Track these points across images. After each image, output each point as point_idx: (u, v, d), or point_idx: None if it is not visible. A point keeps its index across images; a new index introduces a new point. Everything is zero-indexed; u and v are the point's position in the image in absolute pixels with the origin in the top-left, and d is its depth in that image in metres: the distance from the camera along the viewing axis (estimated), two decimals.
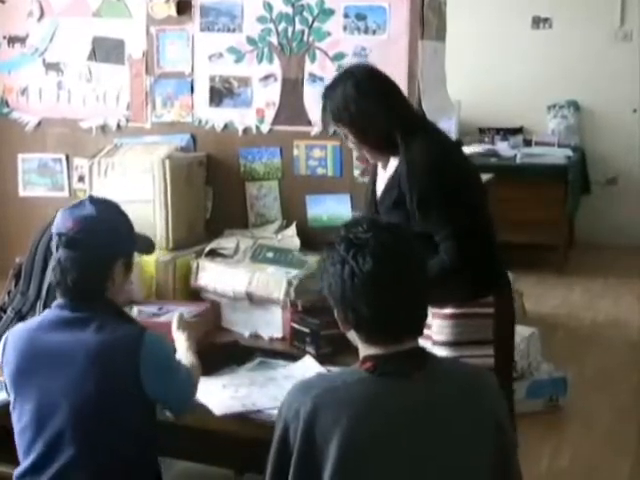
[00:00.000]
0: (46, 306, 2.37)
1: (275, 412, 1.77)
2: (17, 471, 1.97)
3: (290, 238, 2.96)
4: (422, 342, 2.16)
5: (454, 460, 1.59)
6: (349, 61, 2.94)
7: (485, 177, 4.67)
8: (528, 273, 5.47)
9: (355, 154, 2.94)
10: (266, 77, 3.08)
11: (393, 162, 2.42)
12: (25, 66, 3.36)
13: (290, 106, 3.06)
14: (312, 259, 2.77)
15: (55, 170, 3.36)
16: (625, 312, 5.41)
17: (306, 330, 2.56)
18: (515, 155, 6.37)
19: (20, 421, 1.96)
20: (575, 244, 6.86)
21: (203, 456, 2.41)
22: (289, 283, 2.66)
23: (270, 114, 3.09)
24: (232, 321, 2.80)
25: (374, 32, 2.94)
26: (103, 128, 3.29)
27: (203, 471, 2.43)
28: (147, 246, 2.24)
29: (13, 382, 1.98)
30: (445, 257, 2.29)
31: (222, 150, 3.15)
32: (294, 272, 2.71)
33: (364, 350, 1.65)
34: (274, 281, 2.69)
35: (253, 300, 2.73)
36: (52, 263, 2.01)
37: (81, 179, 3.29)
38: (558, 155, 6.37)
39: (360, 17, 2.95)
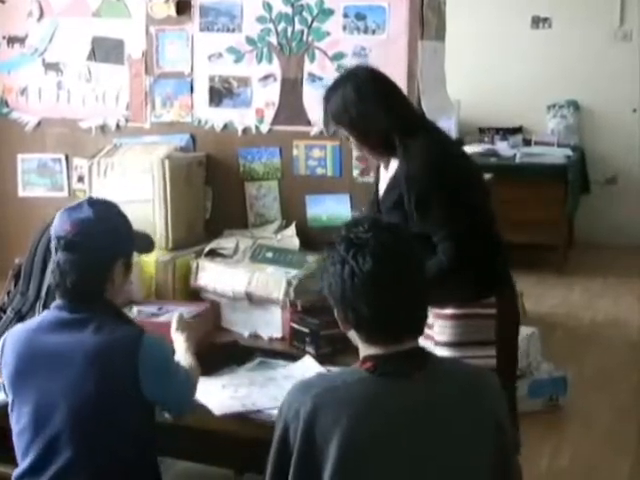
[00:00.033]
0: (46, 306, 2.37)
1: (275, 412, 1.77)
2: (16, 472, 1.97)
3: (290, 238, 2.96)
4: (424, 342, 2.16)
5: (454, 460, 1.59)
6: (348, 61, 2.95)
7: (485, 177, 4.66)
8: (528, 273, 5.46)
9: (355, 154, 2.95)
10: (265, 77, 3.08)
11: (394, 163, 2.42)
12: (25, 66, 3.36)
13: (289, 106, 3.06)
14: (312, 259, 2.77)
15: (55, 170, 3.36)
16: (625, 312, 5.41)
17: (306, 330, 2.56)
18: (515, 155, 6.37)
19: (18, 422, 1.96)
20: (575, 244, 6.86)
21: (203, 456, 2.41)
22: (289, 283, 2.66)
23: (269, 114, 3.09)
24: (232, 321, 2.80)
25: (373, 32, 2.94)
26: (102, 128, 3.28)
27: (203, 471, 2.43)
28: (146, 245, 2.24)
29: (11, 383, 1.98)
30: (443, 257, 2.29)
31: (222, 150, 3.15)
32: (294, 272, 2.71)
33: (364, 350, 1.65)
34: (274, 281, 2.69)
35: (253, 300, 2.73)
36: (51, 265, 2.01)
37: (80, 179, 3.29)
38: (558, 155, 6.37)
39: (359, 17, 2.95)
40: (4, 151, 3.42)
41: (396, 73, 2.67)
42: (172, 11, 3.12)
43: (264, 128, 3.11)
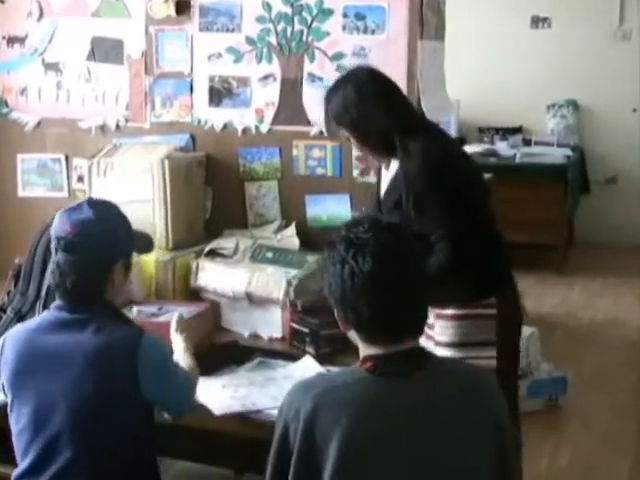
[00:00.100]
0: (45, 306, 2.37)
1: (275, 412, 1.77)
2: (15, 473, 1.97)
3: (289, 238, 2.96)
4: (425, 343, 2.16)
5: (454, 460, 1.59)
6: (348, 61, 2.95)
7: (484, 177, 4.66)
8: (527, 273, 5.46)
9: (355, 154, 2.95)
10: (265, 77, 3.08)
11: (395, 163, 2.42)
12: (24, 66, 3.36)
13: (289, 106, 3.06)
14: (311, 259, 2.77)
15: (54, 170, 3.36)
16: (624, 311, 5.42)
17: (305, 330, 2.56)
18: (514, 155, 6.37)
19: (18, 423, 1.96)
20: (574, 244, 6.86)
21: (203, 456, 2.41)
22: (288, 283, 2.66)
23: (269, 114, 3.09)
24: (232, 321, 2.80)
25: (373, 32, 2.94)
26: (102, 128, 3.28)
27: (203, 471, 2.43)
28: (146, 245, 2.24)
29: (11, 383, 1.98)
30: (441, 256, 2.28)
31: (221, 150, 3.15)
32: (293, 272, 2.71)
33: (364, 350, 1.65)
34: (273, 281, 2.69)
35: (253, 300, 2.73)
36: (51, 266, 2.01)
37: (80, 179, 3.29)
38: (557, 155, 6.37)
39: (359, 17, 2.95)
40: (4, 151, 3.42)
41: (396, 73, 2.67)
42: (172, 11, 3.12)
43: (264, 128, 3.11)
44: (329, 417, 1.55)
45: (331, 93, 2.43)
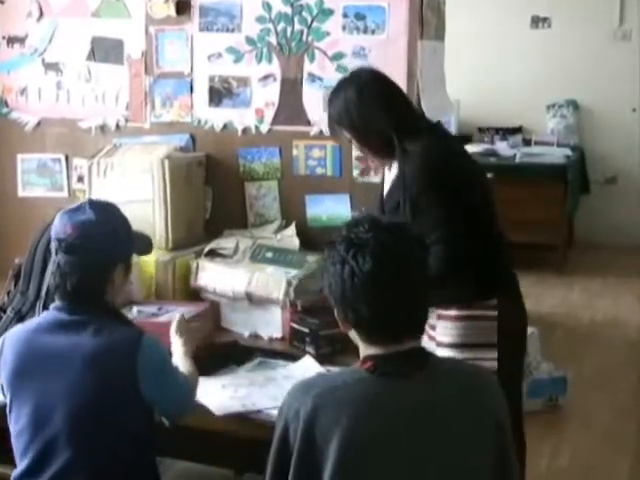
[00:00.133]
0: (46, 306, 2.37)
1: (275, 412, 1.77)
2: (14, 473, 1.97)
3: (289, 238, 2.96)
4: (427, 344, 2.16)
5: (454, 460, 1.59)
6: (348, 61, 2.95)
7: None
8: (527, 273, 5.43)
9: (354, 154, 2.95)
10: (265, 77, 3.08)
11: (396, 165, 2.42)
12: (24, 66, 3.36)
13: (289, 106, 3.06)
14: (311, 259, 2.77)
15: (54, 170, 3.36)
16: (624, 311, 5.42)
17: (305, 330, 2.56)
18: (514, 155, 6.37)
19: (17, 423, 1.96)
20: (574, 243, 6.86)
21: (203, 456, 2.40)
22: (288, 283, 2.66)
23: (269, 114, 3.09)
24: (232, 321, 2.80)
25: (373, 32, 2.94)
26: (102, 128, 3.28)
27: (203, 471, 2.42)
28: (145, 246, 2.24)
29: (10, 384, 1.98)
30: (433, 261, 2.26)
31: (221, 150, 3.15)
32: (293, 272, 2.71)
33: (364, 350, 1.65)
34: (273, 281, 2.69)
35: (252, 300, 2.73)
36: (51, 266, 2.01)
37: (80, 179, 3.29)
38: (557, 154, 6.37)
39: (359, 17, 2.95)
40: (4, 151, 3.42)
41: (396, 73, 2.67)
42: (172, 11, 3.12)
43: (264, 128, 3.11)
44: (329, 417, 1.55)
45: (333, 95, 2.44)
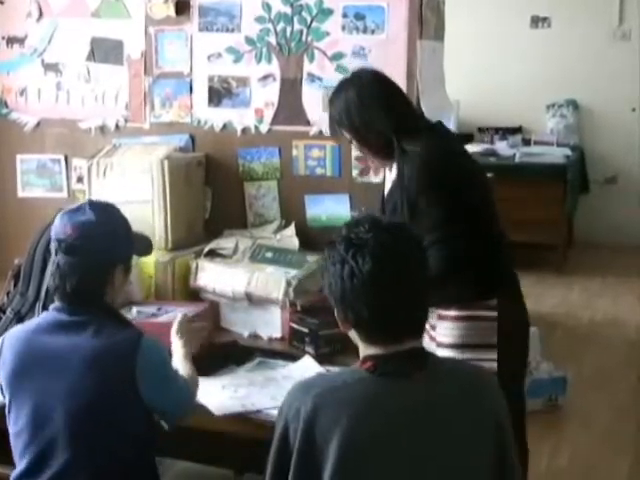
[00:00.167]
0: (45, 307, 2.37)
1: (274, 412, 1.77)
2: (13, 474, 1.97)
3: (289, 238, 2.96)
4: (428, 344, 2.15)
5: (454, 460, 1.59)
6: (348, 61, 2.95)
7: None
8: (527, 272, 5.43)
9: (354, 154, 2.95)
10: (265, 77, 3.08)
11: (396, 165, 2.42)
12: (24, 66, 3.36)
13: (289, 106, 3.06)
14: (311, 259, 2.77)
15: (54, 171, 3.36)
16: (623, 311, 5.42)
17: (305, 330, 2.56)
18: (514, 154, 6.38)
19: (16, 424, 1.96)
20: (574, 243, 6.87)
21: (203, 456, 2.40)
22: (288, 283, 2.66)
23: (269, 114, 3.09)
24: (231, 321, 2.80)
25: (373, 32, 2.94)
26: (102, 128, 3.28)
27: (203, 471, 2.42)
28: (145, 247, 2.24)
29: (9, 384, 1.97)
30: (442, 255, 2.26)
31: (221, 150, 3.15)
32: (293, 272, 2.71)
33: (364, 350, 1.65)
34: (273, 281, 2.69)
35: (252, 300, 2.73)
36: (51, 267, 2.01)
37: (80, 180, 3.29)
38: (557, 154, 6.37)
39: (359, 17, 2.95)
40: (3, 151, 3.41)
41: (395, 73, 2.67)
42: (171, 11, 3.12)
43: (263, 128, 3.11)
44: (329, 417, 1.55)
45: (334, 95, 2.45)
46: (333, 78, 2.88)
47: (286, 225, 3.06)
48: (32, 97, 3.36)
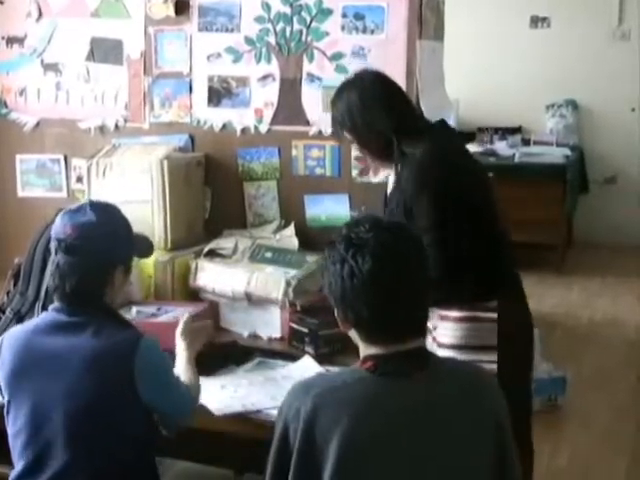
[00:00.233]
0: (45, 307, 2.37)
1: (274, 412, 1.77)
2: (12, 474, 1.96)
3: (289, 238, 2.96)
4: (430, 345, 2.14)
5: (454, 460, 1.59)
6: (347, 61, 2.95)
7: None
8: (526, 272, 5.41)
9: (353, 154, 2.95)
10: (264, 77, 3.08)
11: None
12: (23, 66, 3.35)
13: (288, 106, 3.06)
14: (311, 259, 2.77)
15: (53, 171, 3.36)
16: (623, 311, 5.42)
17: (305, 330, 2.56)
18: (513, 154, 6.38)
19: (15, 424, 1.96)
20: (573, 243, 6.87)
21: (203, 456, 2.40)
22: (288, 283, 2.66)
23: (268, 114, 3.09)
24: (231, 321, 2.80)
25: (372, 32, 2.94)
26: (101, 128, 3.28)
27: (203, 471, 2.42)
28: (146, 248, 2.23)
29: (8, 384, 1.97)
30: (440, 256, 2.25)
31: (220, 150, 3.15)
32: (293, 272, 2.71)
33: (364, 349, 1.65)
34: (273, 281, 2.69)
35: (252, 300, 2.73)
36: (51, 267, 2.00)
37: (79, 180, 3.28)
38: (556, 154, 6.37)
39: (358, 17, 2.95)
40: (3, 151, 3.41)
41: (395, 72, 2.67)
42: (171, 11, 3.12)
43: (263, 128, 3.11)
44: (329, 417, 1.55)
45: (336, 97, 2.45)
46: (333, 78, 2.88)
47: (286, 225, 3.06)
48: (32, 97, 3.36)
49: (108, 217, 2.04)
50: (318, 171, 3.07)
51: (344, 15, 2.97)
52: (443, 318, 2.36)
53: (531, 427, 2.43)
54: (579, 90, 7.01)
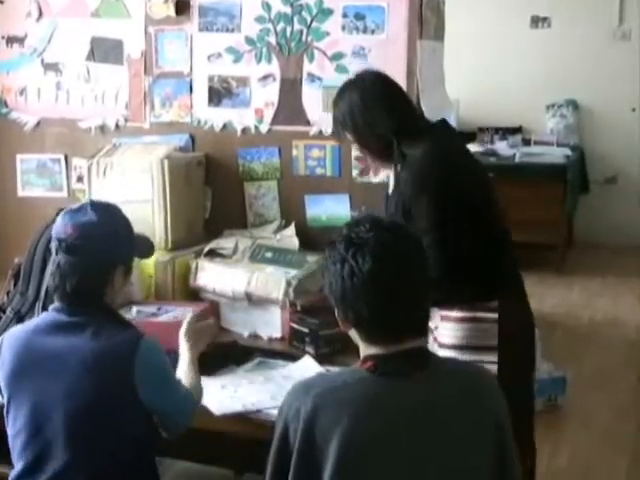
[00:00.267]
0: (45, 307, 2.37)
1: (274, 412, 1.77)
2: (12, 474, 1.96)
3: (289, 238, 2.96)
4: (431, 345, 2.14)
5: (454, 460, 1.59)
6: (348, 61, 2.95)
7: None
8: (527, 272, 5.40)
9: (354, 154, 2.95)
10: (265, 77, 3.08)
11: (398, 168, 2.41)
12: (24, 66, 3.36)
13: (289, 106, 3.06)
14: (311, 259, 2.77)
15: (54, 170, 3.36)
16: (623, 311, 5.42)
17: (305, 330, 2.56)
18: (514, 154, 6.37)
19: (14, 424, 1.96)
20: (574, 243, 6.86)
21: (203, 456, 2.40)
22: (288, 283, 2.66)
23: (269, 114, 3.09)
24: (231, 321, 2.80)
25: (373, 32, 2.94)
26: (102, 128, 3.28)
27: (203, 471, 2.42)
28: (147, 249, 2.23)
29: (8, 384, 1.97)
30: (440, 256, 2.25)
31: (221, 150, 3.15)
32: (293, 272, 2.71)
33: (365, 349, 1.65)
34: (273, 281, 2.69)
35: (252, 300, 2.73)
36: (51, 267, 2.00)
37: (80, 179, 3.28)
38: (557, 154, 6.37)
39: (359, 17, 2.95)
40: (3, 151, 3.41)
41: (395, 72, 2.67)
42: (171, 11, 3.12)
43: (263, 128, 3.11)
44: (329, 417, 1.55)
45: (338, 97, 2.45)
46: (333, 78, 2.89)
47: (286, 225, 3.06)
48: (32, 97, 3.36)
49: (109, 217, 2.03)
50: (318, 171, 3.07)
51: (344, 15, 2.97)
52: (444, 318, 2.36)
53: (533, 427, 2.43)
54: (579, 90, 7.01)
